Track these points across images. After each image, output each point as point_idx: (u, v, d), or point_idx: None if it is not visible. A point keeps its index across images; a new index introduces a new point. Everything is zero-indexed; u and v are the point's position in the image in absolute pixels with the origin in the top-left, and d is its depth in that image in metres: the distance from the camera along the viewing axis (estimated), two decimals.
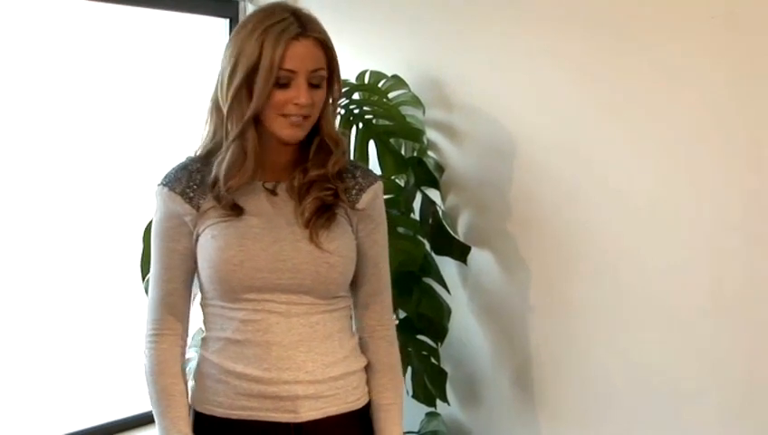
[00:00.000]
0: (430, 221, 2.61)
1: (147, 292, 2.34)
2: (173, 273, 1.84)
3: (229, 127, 1.80)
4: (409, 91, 2.63)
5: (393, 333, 1.97)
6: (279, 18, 1.77)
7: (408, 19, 2.75)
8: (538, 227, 2.49)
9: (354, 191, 1.89)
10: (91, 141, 2.70)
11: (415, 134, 2.57)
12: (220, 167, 1.80)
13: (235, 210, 1.81)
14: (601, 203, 2.36)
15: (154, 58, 2.88)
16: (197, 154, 1.88)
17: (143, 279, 2.49)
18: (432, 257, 2.61)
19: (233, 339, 1.82)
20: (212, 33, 3.09)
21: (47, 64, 2.60)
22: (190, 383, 1.93)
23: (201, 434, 1.86)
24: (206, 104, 1.88)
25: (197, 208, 1.81)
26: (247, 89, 1.76)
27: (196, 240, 1.83)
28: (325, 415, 1.82)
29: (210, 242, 1.80)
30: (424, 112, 2.59)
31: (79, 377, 2.70)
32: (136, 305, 2.55)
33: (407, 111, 2.61)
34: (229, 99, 1.78)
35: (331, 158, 1.86)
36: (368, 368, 1.93)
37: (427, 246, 2.59)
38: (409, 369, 2.52)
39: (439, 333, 2.60)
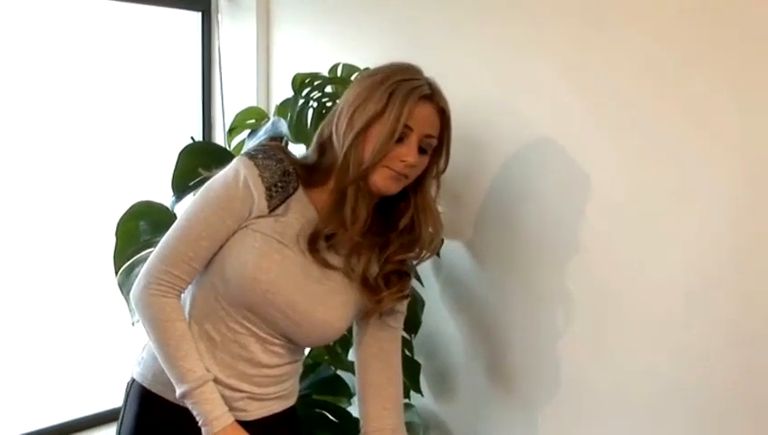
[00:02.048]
0: None
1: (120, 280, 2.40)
2: (211, 241, 1.78)
3: (341, 167, 1.78)
4: None
5: None
6: (412, 76, 1.81)
7: (381, 12, 2.75)
8: (511, 220, 2.50)
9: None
10: (64, 134, 2.69)
11: None
12: (344, 215, 1.79)
13: (302, 244, 1.80)
14: (577, 197, 2.36)
15: (127, 52, 2.87)
16: (295, 157, 1.86)
17: (116, 273, 2.49)
18: None
19: (210, 335, 1.82)
20: (184, 27, 3.08)
21: (17, 59, 2.59)
22: (142, 356, 1.92)
23: (147, 414, 1.86)
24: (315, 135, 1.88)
25: (271, 210, 1.79)
26: (365, 135, 1.76)
27: (240, 228, 1.79)
28: (270, 413, 1.88)
29: (252, 251, 1.78)
30: None
31: (51, 373, 2.69)
32: (108, 300, 2.56)
33: None
34: (348, 142, 1.77)
35: (421, 245, 1.87)
36: None
37: None
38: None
39: (413, 324, 2.61)
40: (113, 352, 2.79)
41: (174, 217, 2.50)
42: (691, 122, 2.15)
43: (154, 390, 1.86)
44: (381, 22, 2.75)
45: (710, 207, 2.14)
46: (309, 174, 1.84)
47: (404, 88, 1.77)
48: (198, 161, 2.45)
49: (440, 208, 2.41)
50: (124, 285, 2.48)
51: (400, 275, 1.90)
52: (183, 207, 2.50)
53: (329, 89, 2.59)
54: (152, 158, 2.80)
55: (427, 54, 2.58)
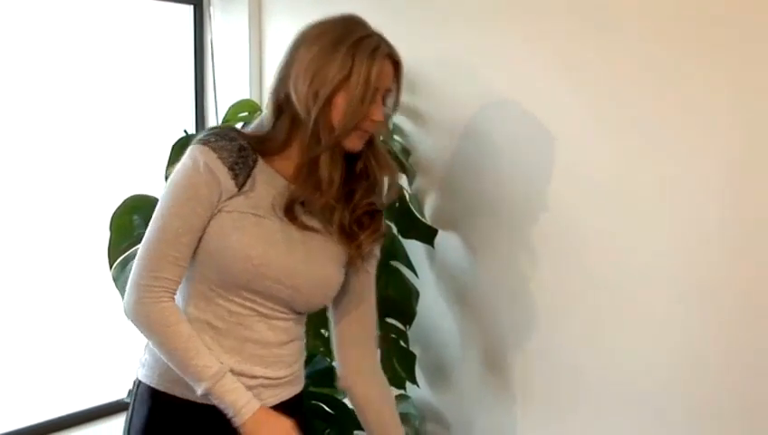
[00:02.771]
0: (397, 205, 2.62)
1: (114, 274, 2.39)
2: (190, 236, 1.75)
3: (310, 137, 1.77)
4: None
5: None
6: (366, 33, 1.80)
7: (373, 4, 2.75)
8: (505, 210, 2.50)
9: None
10: (56, 128, 2.68)
11: None
12: (320, 178, 1.78)
13: (278, 212, 1.80)
14: (571, 188, 2.37)
15: (119, 45, 2.86)
16: (245, 131, 1.84)
17: (111, 267, 2.49)
18: (399, 241, 2.62)
19: (213, 324, 1.81)
20: (177, 19, 3.07)
21: (9, 53, 2.58)
22: (145, 357, 1.89)
23: (157, 414, 1.84)
24: (269, 96, 1.84)
25: (240, 188, 1.77)
26: (333, 102, 1.75)
27: (214, 214, 1.77)
28: (279, 400, 1.86)
29: (233, 232, 1.76)
30: None
31: (48, 366, 2.69)
32: (104, 293, 2.56)
33: None
34: (315, 111, 1.75)
35: (379, 186, 1.88)
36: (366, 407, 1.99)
37: (395, 230, 2.60)
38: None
39: (407, 315, 2.61)
40: (110, 346, 2.79)
41: None
42: (687, 117, 2.16)
43: (162, 388, 1.83)
44: (376, 14, 2.73)
45: (703, 199, 2.15)
46: (266, 143, 1.82)
47: (365, 48, 1.76)
48: None
49: (433, 199, 2.43)
50: (119, 279, 2.48)
51: (372, 216, 1.90)
52: None
53: None
54: (145, 151, 2.79)
55: (424, 47, 2.60)
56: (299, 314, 1.90)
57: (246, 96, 2.94)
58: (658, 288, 2.24)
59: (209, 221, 1.77)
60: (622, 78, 2.25)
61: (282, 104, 1.81)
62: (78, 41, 2.75)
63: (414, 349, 2.62)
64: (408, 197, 2.63)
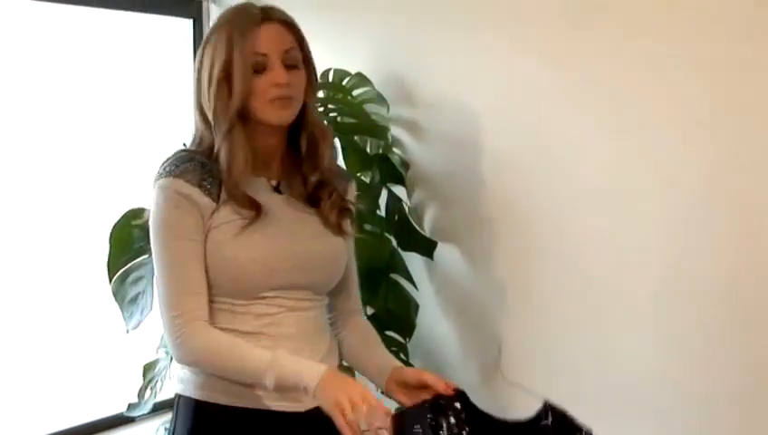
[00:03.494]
0: (396, 218, 2.63)
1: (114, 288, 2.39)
2: (195, 265, 1.78)
3: (216, 127, 1.80)
4: (373, 88, 2.65)
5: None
6: (241, 11, 1.82)
7: (371, 17, 2.76)
8: (504, 221, 2.51)
9: (342, 184, 1.96)
10: (56, 142, 2.69)
11: (379, 131, 2.59)
12: (222, 167, 1.80)
13: (252, 205, 1.81)
14: (568, 195, 2.38)
15: (118, 59, 2.87)
16: (197, 149, 1.85)
17: (110, 280, 2.49)
18: (399, 253, 2.63)
19: (243, 331, 1.82)
20: (176, 34, 3.08)
21: (8, 68, 2.59)
22: (183, 372, 1.89)
23: (204, 423, 1.84)
24: (191, 111, 1.87)
25: (217, 201, 1.79)
26: (227, 85, 1.78)
27: (207, 233, 1.79)
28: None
29: (231, 241, 1.79)
30: (388, 109, 2.60)
31: (48, 380, 2.69)
32: (103, 305, 2.56)
33: (371, 108, 2.62)
34: (212, 99, 1.79)
35: (321, 155, 1.89)
36: (354, 347, 1.99)
37: (394, 243, 2.60)
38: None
39: (407, 328, 2.61)
40: (110, 360, 2.79)
41: None
42: (682, 117, 2.18)
43: (204, 398, 1.84)
44: (373, 26, 2.76)
45: (698, 198, 2.18)
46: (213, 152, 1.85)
47: (238, 24, 1.79)
48: None
49: (432, 211, 2.42)
50: (118, 293, 2.49)
51: (322, 187, 1.91)
52: None
53: (320, 94, 2.59)
54: (145, 164, 2.79)
55: (422, 59, 2.61)
56: (321, 298, 1.92)
57: None
58: (660, 291, 2.24)
59: (206, 244, 1.80)
60: (622, 83, 2.26)
61: (204, 113, 1.84)
62: (78, 55, 2.76)
63: (414, 361, 2.62)
64: (407, 209, 2.64)
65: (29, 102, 2.63)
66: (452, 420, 1.68)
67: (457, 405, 1.70)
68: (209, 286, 1.81)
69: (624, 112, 2.26)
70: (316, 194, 1.89)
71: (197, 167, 1.80)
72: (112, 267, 2.49)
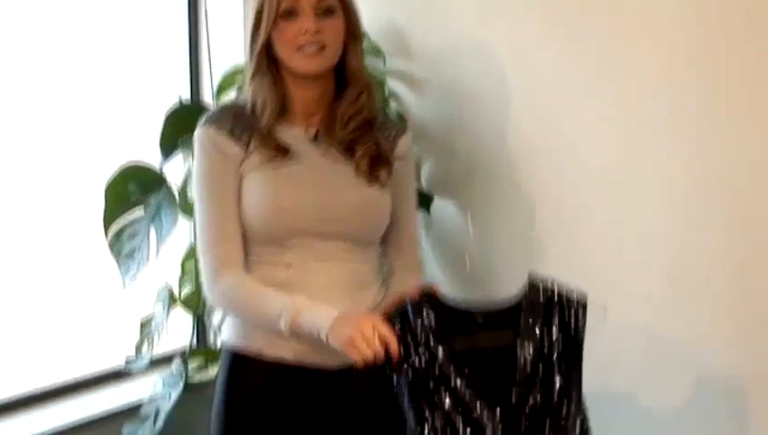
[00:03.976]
0: None
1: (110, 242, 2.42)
2: (229, 207, 1.87)
3: (249, 73, 1.90)
4: (370, 40, 2.61)
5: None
6: None
7: None
8: (501, 176, 2.49)
9: (391, 136, 1.98)
10: (49, 95, 2.65)
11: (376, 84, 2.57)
12: (254, 109, 1.88)
13: (281, 152, 1.86)
14: (563, 154, 2.36)
15: (112, 10, 2.82)
16: (234, 100, 1.99)
17: (106, 235, 2.48)
18: None
19: (275, 280, 1.85)
20: (171, 9, 3.03)
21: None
22: (223, 325, 1.97)
23: (240, 373, 1.91)
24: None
25: (246, 148, 1.87)
26: (257, 31, 1.86)
27: (241, 180, 1.87)
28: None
29: (258, 187, 1.85)
30: (385, 62, 2.58)
31: (45, 335, 2.69)
32: (98, 260, 2.56)
33: (367, 60, 2.58)
34: (248, 46, 1.89)
35: (360, 104, 1.92)
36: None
37: None
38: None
39: None
40: (109, 314, 2.79)
41: (163, 178, 2.50)
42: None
43: (241, 349, 1.90)
44: None
45: (700, 183, 2.17)
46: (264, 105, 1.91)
47: None
48: (186, 122, 2.44)
49: (428, 165, 2.40)
50: (114, 247, 2.49)
51: (364, 132, 1.93)
52: (172, 168, 2.52)
53: None
54: (140, 118, 2.77)
55: (418, 10, 2.58)
56: (365, 250, 1.92)
57: (242, 61, 2.90)
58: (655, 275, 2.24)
59: (240, 186, 1.87)
60: (625, 49, 2.23)
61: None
62: (71, 7, 2.71)
63: None
64: None
65: (21, 53, 2.59)
66: (420, 326, 1.64)
67: (425, 310, 1.66)
68: (245, 235, 1.88)
69: (632, 82, 2.23)
70: (353, 144, 1.90)
71: (231, 115, 1.90)
72: (108, 223, 2.49)
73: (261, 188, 1.85)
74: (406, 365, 1.62)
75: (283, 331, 1.78)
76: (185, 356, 2.69)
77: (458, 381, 1.60)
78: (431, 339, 1.62)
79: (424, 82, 2.61)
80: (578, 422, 1.64)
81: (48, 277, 2.68)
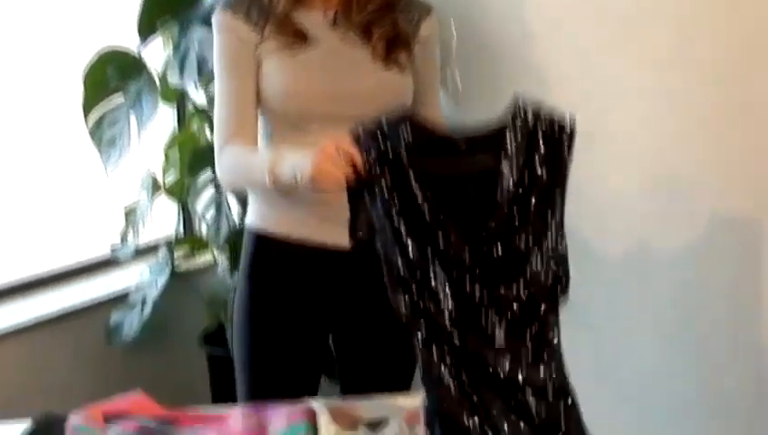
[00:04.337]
0: None
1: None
2: (242, 98, 1.87)
3: None
4: None
5: None
6: None
7: None
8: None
9: (414, 20, 1.93)
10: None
11: None
12: None
13: (298, 37, 1.84)
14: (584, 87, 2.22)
15: None
16: None
17: (86, 122, 2.44)
18: None
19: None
20: None
21: None
22: (249, 206, 1.98)
23: (260, 255, 1.93)
24: None
25: (262, 33, 1.85)
26: None
27: (258, 66, 1.86)
28: None
29: (273, 71, 1.85)
30: None
31: (30, 225, 2.68)
32: (79, 148, 2.53)
33: None
34: None
35: None
36: None
37: None
38: None
39: None
40: (94, 204, 2.78)
41: (141, 62, 2.44)
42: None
43: (263, 230, 1.92)
44: None
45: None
46: None
47: None
48: (167, 3, 2.38)
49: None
50: (95, 134, 2.45)
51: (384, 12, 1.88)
52: (149, 51, 2.46)
53: None
54: (118, 1, 2.69)
55: None
56: None
57: None
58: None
59: (258, 71, 1.86)
60: None
61: None
62: None
63: None
64: None
65: None
66: (394, 143, 1.55)
67: (402, 128, 1.56)
68: (268, 118, 1.89)
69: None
70: (370, 26, 1.87)
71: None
72: (88, 109, 2.44)
73: (277, 73, 1.85)
74: (377, 184, 1.54)
75: (266, 183, 1.76)
76: (171, 245, 2.68)
77: (427, 205, 1.54)
78: (405, 157, 1.54)
79: None
80: (558, 246, 1.57)
81: (32, 167, 2.65)
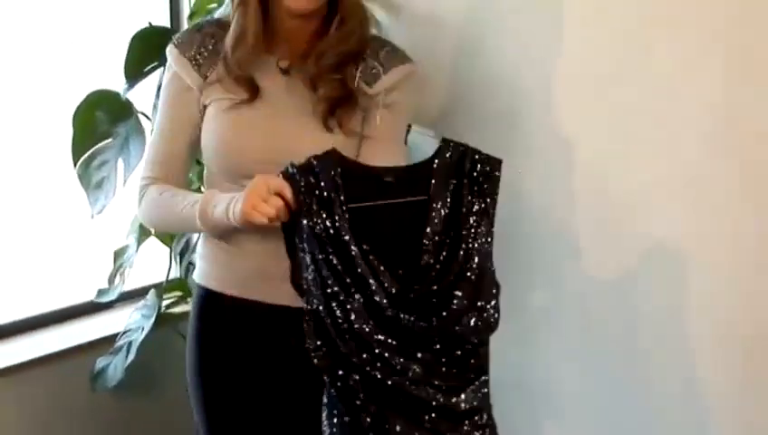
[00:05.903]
0: None
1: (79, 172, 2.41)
2: (175, 136, 1.84)
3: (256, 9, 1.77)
4: None
5: None
6: None
7: None
8: (485, 105, 2.38)
9: (372, 73, 1.82)
10: (12, 18, 2.57)
11: None
12: (228, 38, 1.79)
13: (246, 85, 1.78)
14: (550, 84, 2.22)
15: None
16: (215, 18, 1.92)
17: (75, 165, 2.43)
18: None
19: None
20: None
21: None
22: (196, 258, 1.94)
23: (207, 313, 1.87)
24: None
25: (204, 78, 1.80)
26: None
27: (203, 109, 1.82)
28: None
29: (214, 121, 1.80)
30: None
31: (15, 266, 2.65)
32: (68, 190, 2.51)
33: None
34: None
35: (348, 32, 1.78)
36: None
37: None
38: None
39: None
40: (77, 246, 2.75)
41: (127, 105, 2.43)
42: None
43: (210, 287, 1.86)
44: None
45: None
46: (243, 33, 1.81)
47: None
48: (151, 47, 2.37)
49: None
50: (84, 177, 2.44)
51: (339, 68, 1.80)
52: (135, 95, 2.45)
53: None
54: (113, 45, 2.69)
55: None
56: None
57: None
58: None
59: (202, 117, 1.83)
60: None
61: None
62: None
63: None
64: None
65: None
66: (324, 182, 1.58)
67: (332, 167, 1.59)
68: (206, 162, 1.87)
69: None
70: (317, 80, 1.77)
71: (199, 38, 1.82)
72: (76, 152, 2.43)
73: (214, 124, 1.80)
74: (306, 221, 1.56)
75: (198, 227, 1.75)
76: (160, 289, 2.65)
77: (357, 247, 1.54)
78: (335, 192, 1.57)
79: (403, 7, 2.50)
80: (488, 272, 1.59)
81: (20, 210, 2.63)
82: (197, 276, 1.90)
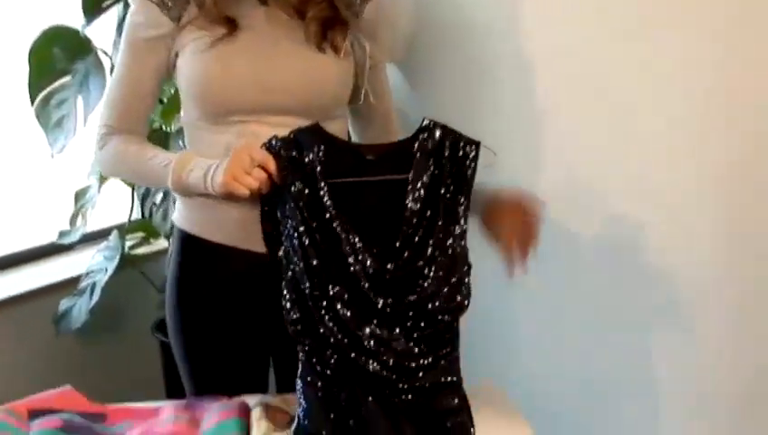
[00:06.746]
0: None
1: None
2: (139, 85, 1.74)
3: None
4: None
5: None
6: None
7: None
8: (479, 103, 2.32)
9: (356, 2, 1.78)
10: None
11: None
12: None
13: (223, 22, 1.68)
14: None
15: None
16: None
17: (32, 103, 2.37)
18: None
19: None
20: None
21: None
22: (177, 204, 1.85)
23: (188, 257, 1.81)
24: None
25: (177, 21, 1.70)
26: None
27: (176, 56, 1.72)
28: None
29: (192, 59, 1.69)
30: None
31: None
32: (26, 129, 2.45)
33: None
34: None
35: None
36: None
37: None
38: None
39: None
40: (37, 187, 2.71)
41: (86, 41, 2.36)
42: None
43: (192, 232, 1.79)
44: None
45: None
46: None
47: None
48: None
49: None
50: (42, 116, 2.38)
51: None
52: (94, 31, 2.39)
53: None
54: None
55: None
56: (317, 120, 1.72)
57: None
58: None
59: (175, 61, 1.73)
60: None
61: None
62: None
63: None
64: None
65: None
66: (306, 154, 1.56)
67: (314, 141, 1.57)
68: (184, 107, 1.77)
69: None
70: (304, 4, 1.71)
71: None
72: (34, 90, 2.37)
73: (196, 64, 1.69)
74: (289, 190, 1.54)
75: (167, 187, 1.70)
76: (122, 230, 2.61)
77: (339, 222, 1.53)
78: (317, 166, 1.55)
79: None
80: (463, 250, 1.58)
81: None
82: (178, 220, 1.84)
